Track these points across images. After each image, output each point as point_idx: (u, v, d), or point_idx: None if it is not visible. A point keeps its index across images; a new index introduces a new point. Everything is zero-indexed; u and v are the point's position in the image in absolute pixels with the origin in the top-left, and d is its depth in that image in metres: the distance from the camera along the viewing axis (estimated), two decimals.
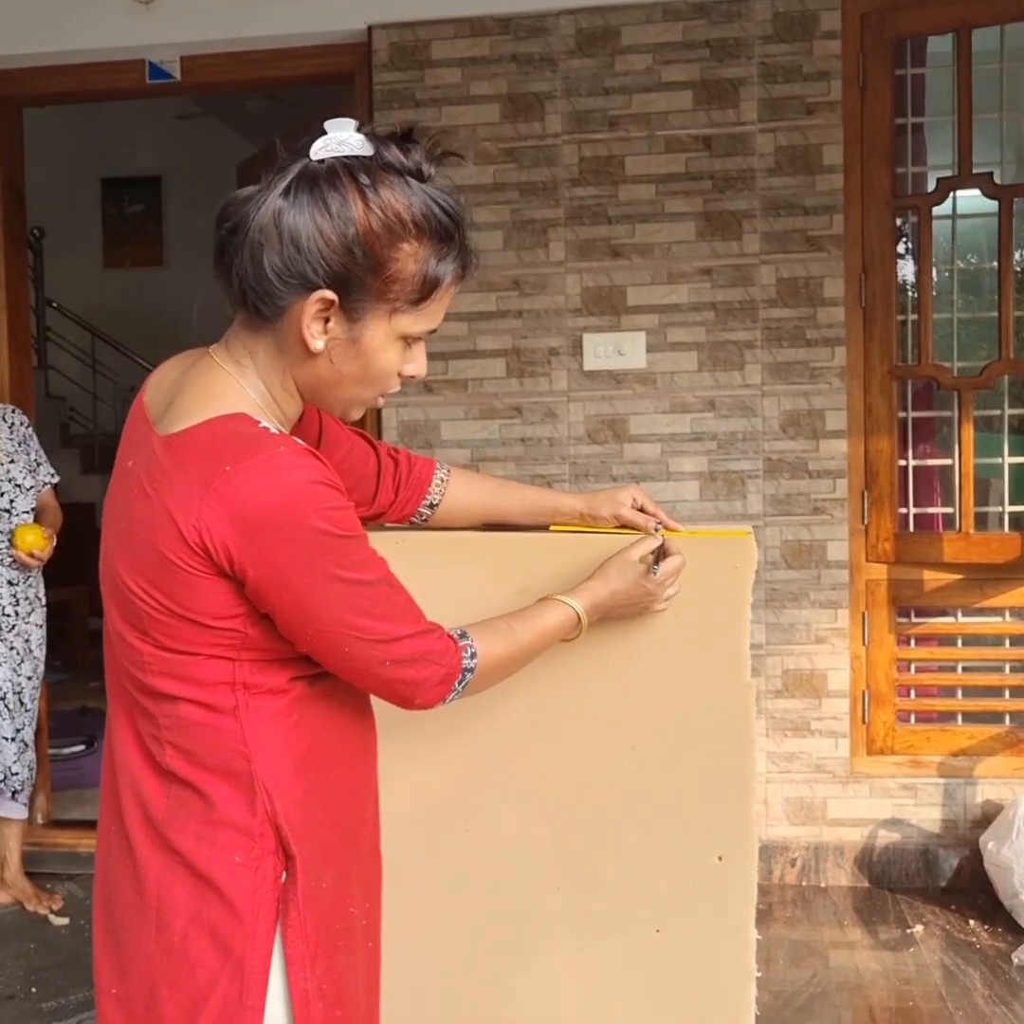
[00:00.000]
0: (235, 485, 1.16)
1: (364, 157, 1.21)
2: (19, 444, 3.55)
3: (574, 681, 1.67)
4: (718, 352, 3.58)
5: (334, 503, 1.20)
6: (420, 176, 1.23)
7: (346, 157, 1.21)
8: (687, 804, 1.68)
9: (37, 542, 3.43)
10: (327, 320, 1.23)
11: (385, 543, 1.32)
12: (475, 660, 1.34)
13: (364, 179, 1.20)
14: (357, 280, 1.21)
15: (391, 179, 1.21)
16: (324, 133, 1.22)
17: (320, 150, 1.21)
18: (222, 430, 1.20)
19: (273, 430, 1.22)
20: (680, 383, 3.60)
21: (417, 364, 1.31)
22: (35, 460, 3.59)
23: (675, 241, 3.59)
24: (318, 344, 1.23)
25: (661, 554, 1.58)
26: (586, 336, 3.63)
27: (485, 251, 3.64)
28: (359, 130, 1.23)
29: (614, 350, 3.62)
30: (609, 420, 3.64)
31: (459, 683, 1.33)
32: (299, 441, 1.24)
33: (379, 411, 3.72)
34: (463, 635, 1.35)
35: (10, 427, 3.55)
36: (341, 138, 1.22)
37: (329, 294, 1.20)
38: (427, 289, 1.25)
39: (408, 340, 1.28)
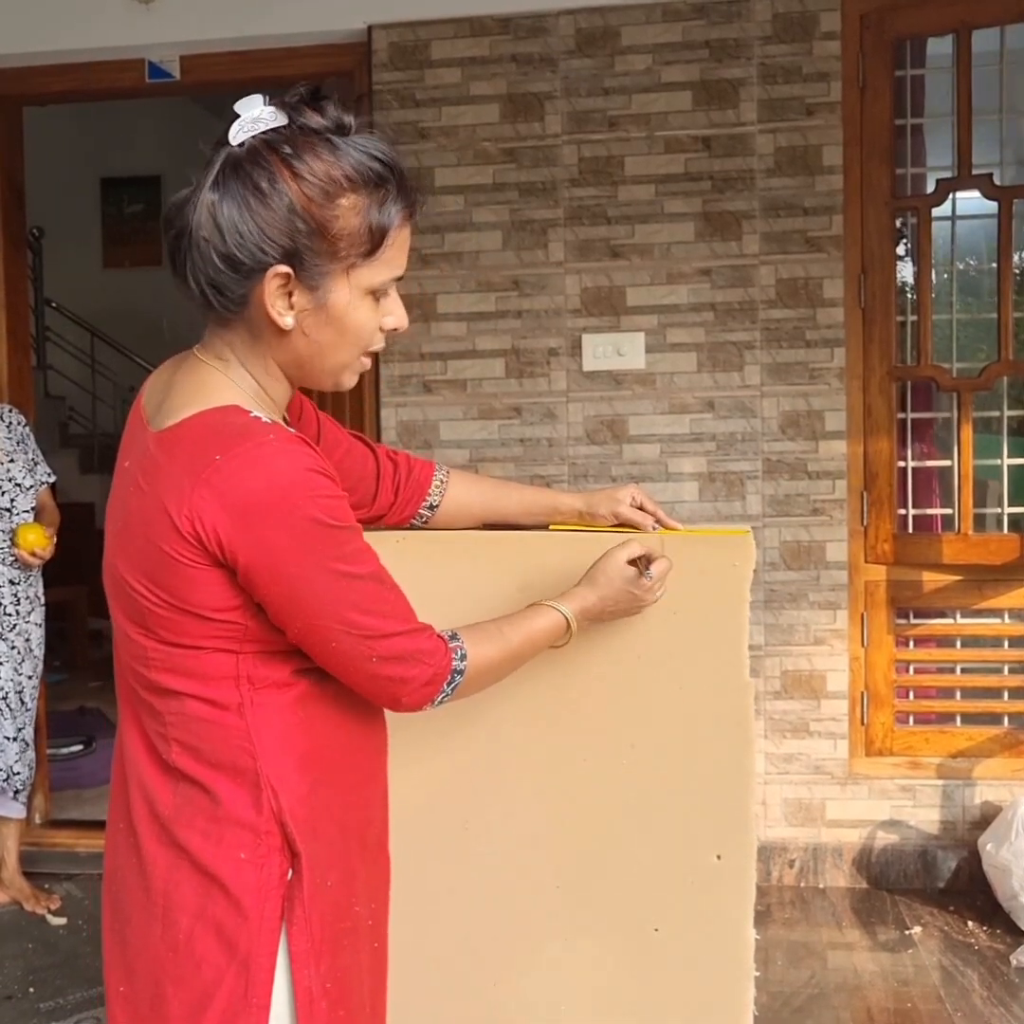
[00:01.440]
0: (225, 473, 1.17)
1: (281, 128, 1.21)
2: (17, 443, 3.55)
3: (573, 680, 1.67)
4: (717, 353, 3.58)
5: (326, 491, 1.20)
6: (341, 130, 1.23)
7: (264, 133, 1.21)
8: (686, 803, 1.68)
9: (39, 541, 3.43)
10: (290, 295, 1.23)
11: (385, 542, 1.32)
12: (465, 662, 1.33)
13: (286, 149, 1.20)
14: (305, 248, 1.21)
15: (313, 141, 1.21)
16: (237, 117, 1.22)
17: (237, 134, 1.22)
18: (212, 421, 1.21)
19: (264, 419, 1.22)
20: (679, 384, 3.60)
21: (396, 315, 1.31)
22: (32, 459, 3.59)
23: (674, 242, 3.59)
24: (287, 320, 1.23)
25: (648, 559, 1.56)
26: (585, 336, 3.63)
27: (484, 251, 3.65)
28: (268, 103, 1.23)
29: (613, 351, 3.62)
30: (608, 421, 3.64)
31: (448, 685, 1.32)
32: (291, 429, 1.24)
33: (378, 411, 3.72)
34: (453, 636, 1.34)
35: (8, 426, 3.55)
36: (254, 116, 1.22)
37: (283, 268, 1.21)
38: (376, 238, 1.24)
39: (376, 294, 1.27)
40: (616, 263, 3.62)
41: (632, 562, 1.53)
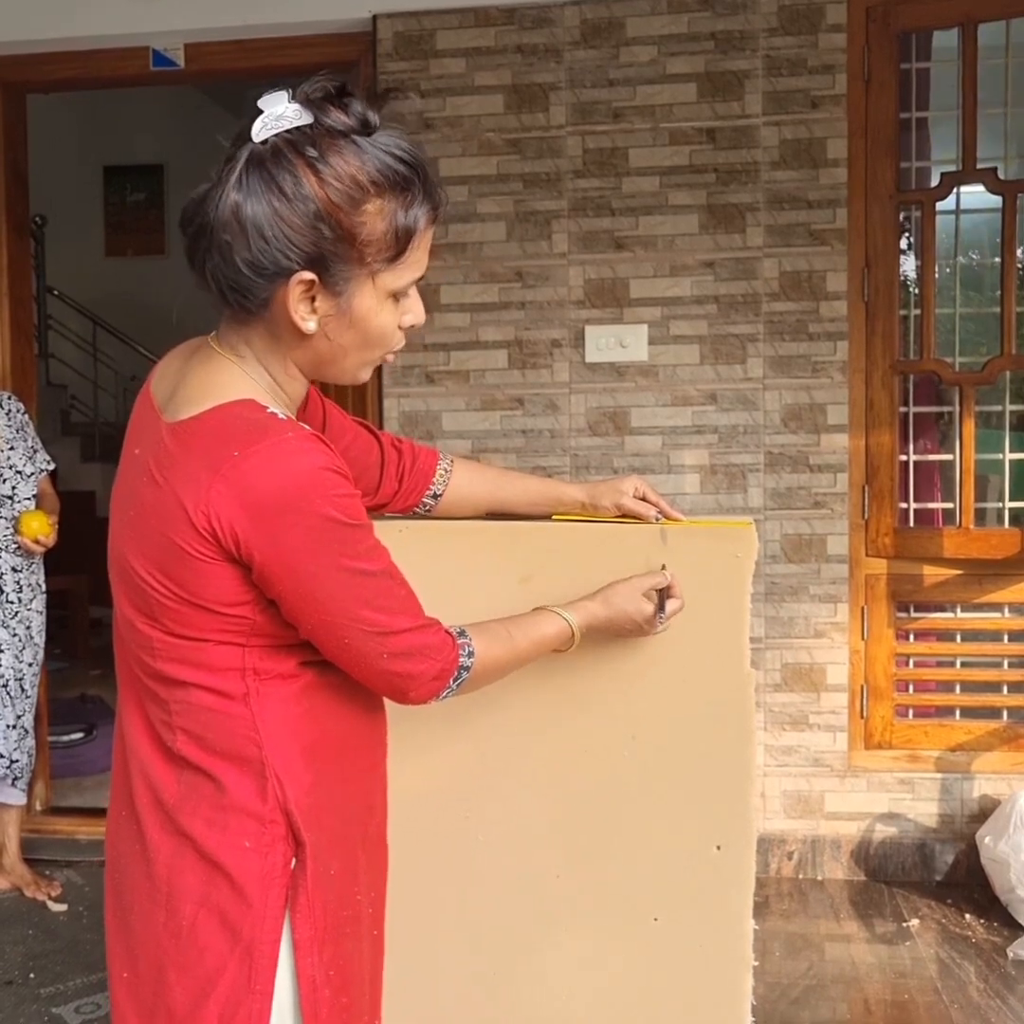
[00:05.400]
0: (243, 470, 1.16)
1: (305, 127, 1.19)
2: (17, 431, 3.55)
3: (575, 670, 1.68)
4: (720, 345, 3.58)
5: (341, 490, 1.20)
6: (365, 129, 1.20)
7: (288, 131, 1.18)
8: (686, 793, 1.69)
9: (42, 528, 3.44)
10: (313, 300, 1.22)
11: (387, 532, 1.32)
12: (472, 659, 1.34)
13: (311, 151, 1.18)
14: (331, 254, 1.20)
15: (338, 143, 1.19)
16: (260, 113, 1.20)
17: (260, 131, 1.19)
18: (230, 416, 1.20)
19: (281, 415, 1.22)
20: (682, 376, 3.60)
21: (414, 313, 1.30)
22: (32, 446, 3.59)
23: (678, 234, 3.58)
24: (310, 325, 1.23)
25: (665, 593, 1.59)
26: (588, 328, 3.63)
27: (488, 242, 3.65)
28: (293, 99, 1.20)
29: (616, 342, 3.62)
30: (610, 412, 3.64)
31: (454, 680, 1.33)
32: (306, 427, 1.24)
33: (380, 402, 3.73)
34: (462, 633, 1.35)
35: (7, 414, 3.54)
36: (278, 113, 1.19)
37: (308, 275, 1.20)
38: (402, 242, 1.23)
39: (398, 295, 1.27)
40: (619, 255, 3.62)
41: (650, 595, 1.56)
